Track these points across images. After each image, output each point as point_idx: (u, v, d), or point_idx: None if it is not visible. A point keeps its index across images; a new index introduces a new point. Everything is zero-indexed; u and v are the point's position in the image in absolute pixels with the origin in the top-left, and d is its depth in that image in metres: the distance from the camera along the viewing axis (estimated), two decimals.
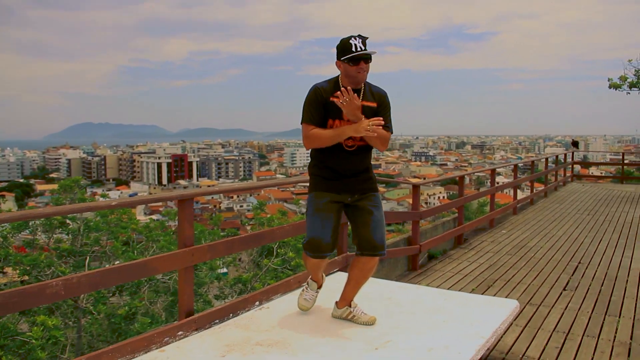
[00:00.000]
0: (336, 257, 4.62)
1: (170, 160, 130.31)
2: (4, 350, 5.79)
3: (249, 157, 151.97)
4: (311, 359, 2.80)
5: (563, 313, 4.85)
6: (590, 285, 5.73)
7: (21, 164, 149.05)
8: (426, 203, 64.88)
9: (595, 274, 6.21)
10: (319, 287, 3.57)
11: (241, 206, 73.89)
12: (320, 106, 3.09)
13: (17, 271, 7.61)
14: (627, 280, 5.92)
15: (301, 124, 3.14)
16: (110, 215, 8.67)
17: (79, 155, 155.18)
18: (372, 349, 2.92)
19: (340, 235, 4.53)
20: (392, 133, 3.21)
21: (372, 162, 3.17)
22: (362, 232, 3.17)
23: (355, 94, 2.97)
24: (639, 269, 6.42)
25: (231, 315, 3.47)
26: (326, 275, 3.84)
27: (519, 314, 4.73)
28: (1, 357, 5.54)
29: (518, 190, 11.18)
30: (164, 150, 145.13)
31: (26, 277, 7.76)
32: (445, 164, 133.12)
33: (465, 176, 8.72)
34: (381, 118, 2.98)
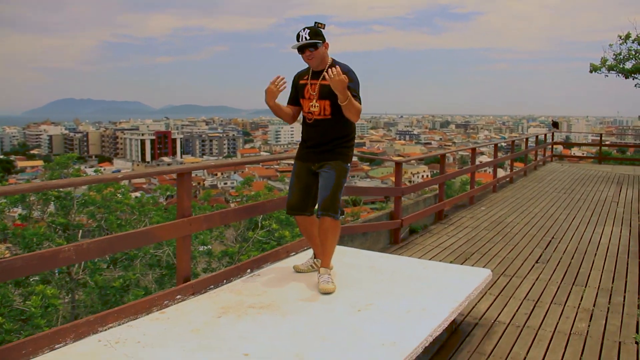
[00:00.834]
0: None
1: (153, 137, 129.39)
2: (4, 318, 6.02)
3: (233, 135, 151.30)
4: (300, 320, 3.07)
5: (534, 283, 5.18)
6: (561, 259, 6.08)
7: (1, 140, 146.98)
8: (410, 181, 65.47)
9: (566, 248, 6.57)
10: (317, 257, 3.89)
11: (225, 183, 73.90)
12: (293, 86, 3.69)
13: (17, 245, 7.78)
14: (595, 254, 6.28)
15: None
16: (104, 190, 8.86)
17: (60, 132, 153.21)
18: (356, 311, 3.20)
19: None
20: (360, 104, 3.46)
21: (357, 141, 3.47)
22: (317, 194, 3.65)
23: (338, 70, 3.22)
24: (607, 243, 6.80)
25: (225, 281, 3.73)
26: None
27: (493, 284, 5.06)
28: (2, 324, 5.78)
29: (501, 170, 11.54)
30: (148, 127, 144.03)
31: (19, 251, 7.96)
32: (430, 143, 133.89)
33: (449, 155, 9.02)
34: (342, 76, 3.21)
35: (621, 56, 15.05)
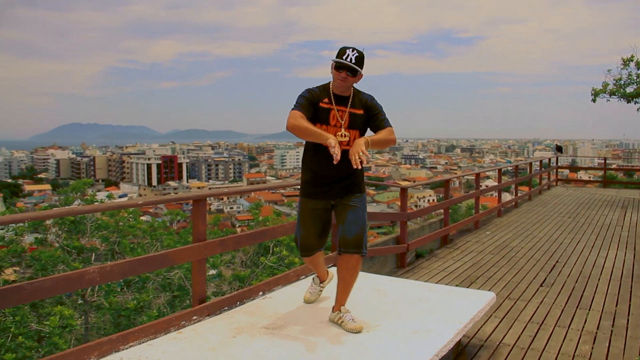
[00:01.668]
0: (331, 254, 5.02)
1: (160, 162, 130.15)
2: (24, 337, 6.20)
3: (239, 159, 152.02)
4: (312, 340, 3.20)
5: (538, 306, 5.29)
6: (565, 282, 6.18)
7: (9, 164, 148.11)
8: (416, 206, 65.53)
9: (570, 271, 6.66)
10: (322, 281, 3.91)
11: (231, 208, 74.07)
12: (312, 103, 3.21)
13: (32, 268, 7.96)
14: (599, 278, 6.37)
15: (290, 111, 3.18)
16: (117, 215, 9.08)
17: (67, 156, 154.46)
18: (365, 332, 3.33)
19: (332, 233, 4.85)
20: (391, 126, 3.34)
21: (363, 165, 3.16)
22: (341, 230, 3.35)
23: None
24: (611, 267, 6.89)
25: (238, 303, 3.87)
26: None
27: (498, 307, 5.17)
28: (23, 343, 5.95)
29: (506, 193, 11.67)
30: (154, 151, 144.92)
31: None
32: (435, 167, 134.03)
33: (455, 179, 9.18)
34: (366, 153, 3.02)
35: (622, 81, 15.25)
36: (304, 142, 3.37)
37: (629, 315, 5.05)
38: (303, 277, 4.47)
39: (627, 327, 4.71)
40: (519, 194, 13.09)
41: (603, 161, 21.16)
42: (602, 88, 15.58)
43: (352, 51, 3.20)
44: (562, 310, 5.17)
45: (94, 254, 8.52)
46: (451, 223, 8.64)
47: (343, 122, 3.27)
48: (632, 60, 15.09)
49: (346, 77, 3.21)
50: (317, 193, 3.39)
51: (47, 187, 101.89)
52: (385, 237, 7.45)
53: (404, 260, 6.90)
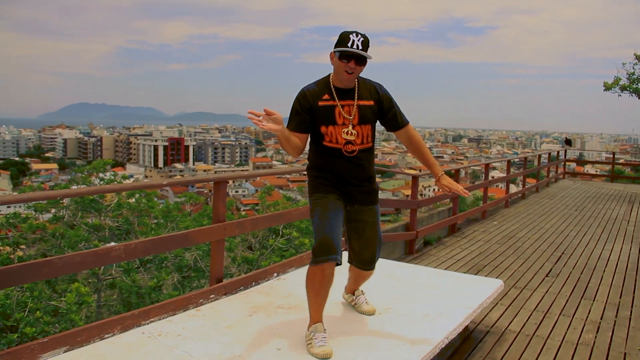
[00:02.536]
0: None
1: (167, 144, 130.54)
2: (41, 312, 6.39)
3: (246, 143, 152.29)
4: (326, 320, 3.31)
5: (544, 296, 5.40)
6: (570, 273, 6.28)
7: (17, 142, 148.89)
8: (421, 195, 65.58)
9: (576, 263, 6.76)
10: (321, 322, 2.99)
11: (236, 191, 74.39)
12: (304, 114, 2.87)
13: (52, 246, 8.16)
14: (604, 270, 6.47)
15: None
16: (135, 195, 9.26)
17: (75, 135, 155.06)
18: (377, 314, 3.45)
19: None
20: (409, 122, 3.09)
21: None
22: (355, 245, 3.14)
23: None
24: (616, 260, 6.99)
25: (253, 283, 4.00)
26: None
27: (504, 295, 5.29)
28: (41, 317, 6.15)
29: (513, 185, 11.75)
30: (161, 133, 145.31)
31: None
32: (442, 157, 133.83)
33: (461, 169, 9.26)
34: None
35: (635, 76, 15.21)
36: (309, 140, 3.01)
37: (632, 306, 5.15)
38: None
39: (630, 318, 4.81)
40: (526, 186, 13.16)
41: (611, 155, 21.15)
42: (613, 82, 15.56)
43: (357, 36, 2.79)
44: (567, 300, 5.27)
45: (107, 232, 8.71)
46: (459, 212, 8.74)
47: (352, 117, 2.89)
48: None
49: (354, 67, 2.81)
50: (335, 190, 3.00)
51: (54, 166, 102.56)
52: (395, 224, 7.57)
53: (412, 247, 7.01)
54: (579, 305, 5.15)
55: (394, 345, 3.00)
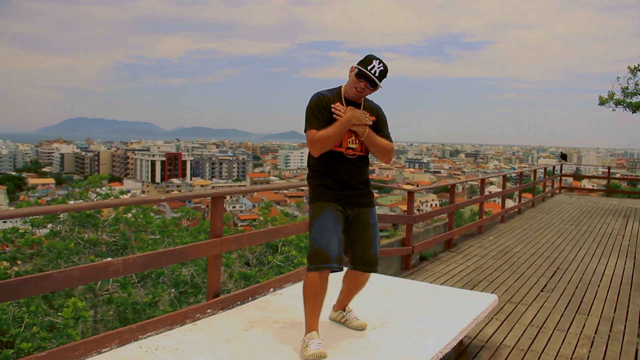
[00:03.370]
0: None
1: (164, 159, 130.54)
2: (38, 327, 6.40)
3: (243, 158, 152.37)
4: (322, 334, 3.35)
5: (539, 310, 5.43)
6: (565, 288, 6.32)
7: (14, 157, 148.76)
8: (419, 210, 65.63)
9: (571, 278, 6.80)
10: (316, 331, 3.09)
11: (234, 207, 74.31)
12: (324, 111, 3.10)
13: (43, 258, 8.17)
14: (599, 285, 6.52)
15: (305, 132, 3.12)
16: (132, 210, 9.29)
17: (72, 150, 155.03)
18: (372, 328, 3.48)
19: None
20: (393, 144, 3.34)
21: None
22: (357, 249, 3.23)
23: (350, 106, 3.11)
24: (611, 274, 7.03)
25: (250, 298, 4.04)
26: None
27: (499, 310, 5.32)
28: (37, 333, 6.14)
29: (510, 200, 11.81)
30: (158, 148, 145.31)
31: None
32: (439, 172, 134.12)
33: (458, 184, 9.33)
34: (374, 117, 3.17)
35: (628, 90, 15.34)
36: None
37: (626, 321, 5.19)
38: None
39: (624, 333, 4.85)
40: (522, 201, 13.23)
41: (607, 170, 21.26)
42: (607, 97, 15.68)
43: (379, 63, 3.05)
44: (562, 315, 5.31)
45: (104, 247, 8.73)
46: (455, 228, 8.79)
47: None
48: (639, 70, 15.18)
49: (364, 88, 3.09)
50: (335, 198, 3.16)
51: (51, 181, 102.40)
52: (391, 239, 7.61)
53: (408, 262, 7.05)
54: (573, 319, 5.19)
55: (389, 358, 3.03)
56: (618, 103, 15.38)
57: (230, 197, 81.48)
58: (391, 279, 4.79)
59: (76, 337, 6.30)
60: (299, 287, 4.38)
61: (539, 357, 4.20)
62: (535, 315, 5.28)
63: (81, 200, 9.67)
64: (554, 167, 18.54)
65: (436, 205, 73.83)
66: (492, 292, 5.91)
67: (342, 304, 3.57)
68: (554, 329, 4.91)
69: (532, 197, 14.34)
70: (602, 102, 15.81)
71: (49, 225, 9.02)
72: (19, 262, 8.74)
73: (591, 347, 4.48)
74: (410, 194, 7.34)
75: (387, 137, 3.30)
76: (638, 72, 15.23)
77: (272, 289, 4.26)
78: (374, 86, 3.10)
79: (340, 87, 3.23)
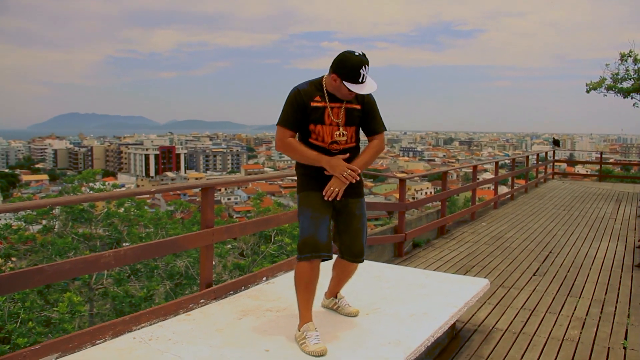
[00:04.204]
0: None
1: (158, 152, 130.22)
2: (33, 322, 6.42)
3: (237, 150, 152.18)
4: (315, 322, 3.38)
5: (531, 294, 5.48)
6: (557, 272, 6.38)
7: (6, 154, 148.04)
8: (414, 198, 65.73)
9: (563, 261, 6.87)
10: (312, 322, 3.08)
11: (229, 199, 74.22)
12: (299, 110, 2.98)
13: (38, 254, 8.19)
14: (590, 268, 6.58)
15: (277, 124, 3.04)
16: (125, 204, 9.30)
17: (65, 146, 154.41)
18: (364, 315, 3.52)
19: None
20: (385, 130, 3.21)
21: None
22: (345, 239, 3.19)
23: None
24: (602, 258, 7.10)
25: (243, 287, 4.06)
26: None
27: (492, 294, 5.37)
28: (33, 328, 6.17)
29: (503, 186, 11.87)
30: (152, 141, 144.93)
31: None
32: (433, 160, 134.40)
33: (452, 172, 9.36)
34: (358, 169, 3.02)
35: (619, 76, 15.41)
36: (297, 137, 3.11)
37: (617, 302, 5.25)
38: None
39: (614, 314, 4.91)
40: (515, 187, 13.29)
41: (599, 155, 21.38)
42: (598, 82, 15.75)
43: (364, 68, 2.87)
44: (554, 298, 5.36)
45: (98, 241, 8.74)
46: (448, 214, 8.83)
47: (340, 120, 3.02)
48: (630, 56, 15.25)
49: (351, 94, 2.96)
50: (322, 187, 3.06)
51: (45, 177, 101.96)
52: (384, 227, 7.65)
53: (401, 249, 7.09)
54: (565, 302, 5.24)
55: (380, 344, 3.07)
56: (609, 88, 15.45)
57: (225, 189, 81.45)
58: (383, 266, 4.82)
59: (72, 332, 6.33)
60: (290, 275, 4.40)
61: (531, 340, 4.25)
62: (528, 298, 5.33)
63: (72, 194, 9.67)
64: (546, 153, 18.62)
65: (431, 193, 74.08)
66: (484, 277, 5.96)
67: (333, 291, 3.59)
68: (546, 311, 4.96)
69: (525, 183, 14.42)
70: (591, 89, 15.89)
71: (43, 222, 9.02)
72: (14, 258, 8.74)
73: (582, 328, 4.53)
74: (402, 181, 7.36)
75: (379, 126, 3.17)
76: (629, 58, 15.30)
77: (264, 278, 4.28)
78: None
79: (322, 77, 3.05)
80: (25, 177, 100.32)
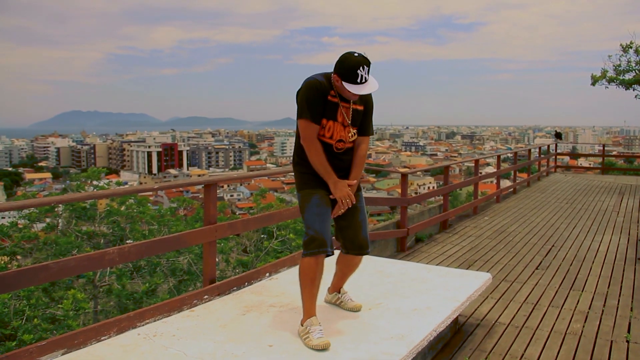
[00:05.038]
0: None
1: (160, 149, 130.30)
2: (39, 319, 6.48)
3: (239, 147, 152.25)
4: (319, 317, 3.40)
5: (533, 288, 5.49)
6: (560, 265, 6.38)
7: (9, 153, 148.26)
8: (416, 192, 65.71)
9: (566, 255, 6.87)
10: (315, 316, 3.11)
11: (231, 195, 74.28)
12: (321, 102, 2.97)
13: (42, 252, 8.24)
14: (593, 261, 6.58)
15: (299, 119, 3.01)
16: (126, 201, 9.33)
17: (68, 144, 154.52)
18: (367, 309, 3.53)
19: None
20: (373, 134, 3.33)
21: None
22: (348, 233, 3.24)
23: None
24: (605, 251, 7.11)
25: (246, 283, 4.08)
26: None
27: (495, 289, 5.38)
28: (38, 325, 6.22)
29: (506, 180, 11.86)
30: (154, 139, 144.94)
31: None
32: (435, 154, 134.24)
33: (455, 166, 9.37)
34: (354, 199, 3.13)
35: (621, 68, 15.37)
36: (296, 135, 3.14)
37: (619, 296, 5.26)
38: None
39: (617, 307, 4.91)
40: (517, 181, 13.29)
41: (602, 148, 21.34)
42: (600, 75, 15.72)
43: (363, 69, 2.88)
44: (556, 292, 5.37)
45: (102, 239, 8.79)
46: (450, 209, 8.84)
47: (349, 119, 3.07)
48: (631, 47, 15.21)
49: (354, 95, 2.98)
50: (322, 185, 3.12)
51: (48, 175, 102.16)
52: (387, 222, 7.66)
53: (404, 244, 7.10)
54: (567, 296, 5.25)
55: (383, 338, 3.08)
56: (611, 80, 15.41)
57: (228, 186, 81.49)
58: (386, 261, 4.84)
59: (77, 328, 6.39)
60: (294, 271, 4.43)
61: (534, 333, 4.27)
62: (530, 292, 5.35)
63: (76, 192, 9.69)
64: (548, 146, 18.59)
65: (433, 187, 74.06)
66: (487, 271, 5.96)
67: (336, 286, 3.61)
68: (549, 305, 4.97)
69: (528, 177, 14.40)
70: (595, 81, 15.85)
71: (47, 220, 9.06)
72: (18, 257, 8.79)
73: (585, 321, 4.54)
74: (404, 176, 7.37)
75: (370, 128, 3.25)
76: (630, 49, 15.26)
77: (267, 274, 4.31)
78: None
79: (330, 74, 3.03)
80: (28, 176, 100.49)
